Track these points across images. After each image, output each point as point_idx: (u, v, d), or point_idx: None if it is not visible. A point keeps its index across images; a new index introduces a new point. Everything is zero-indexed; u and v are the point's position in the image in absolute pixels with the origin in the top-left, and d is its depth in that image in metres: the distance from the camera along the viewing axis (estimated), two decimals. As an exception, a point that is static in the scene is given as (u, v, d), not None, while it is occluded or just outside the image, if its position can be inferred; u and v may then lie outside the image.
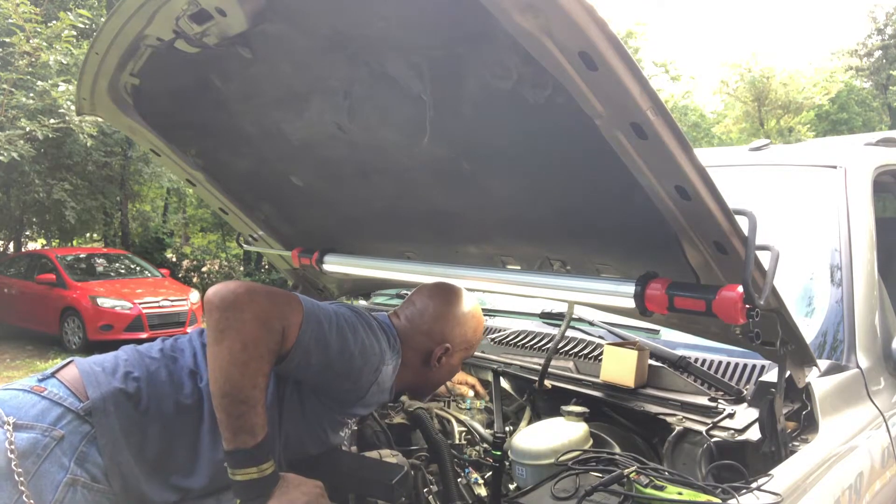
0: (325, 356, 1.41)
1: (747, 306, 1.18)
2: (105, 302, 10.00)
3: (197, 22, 1.35)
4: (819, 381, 1.57)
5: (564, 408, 1.67)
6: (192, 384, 1.45)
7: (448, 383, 2.02)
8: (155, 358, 1.49)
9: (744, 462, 1.40)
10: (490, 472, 1.75)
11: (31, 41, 9.54)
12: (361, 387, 1.50)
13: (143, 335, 9.66)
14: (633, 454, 1.45)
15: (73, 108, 9.52)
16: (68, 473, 1.30)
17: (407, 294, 2.63)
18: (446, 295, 1.75)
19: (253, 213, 2.27)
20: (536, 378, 1.87)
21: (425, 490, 1.65)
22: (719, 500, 1.20)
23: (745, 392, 1.61)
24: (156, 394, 1.41)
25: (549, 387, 1.86)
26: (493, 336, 2.23)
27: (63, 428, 1.32)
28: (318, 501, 1.37)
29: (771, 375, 1.49)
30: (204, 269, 17.49)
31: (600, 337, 2.01)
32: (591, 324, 2.05)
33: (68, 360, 1.47)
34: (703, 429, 1.50)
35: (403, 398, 1.99)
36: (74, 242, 17.32)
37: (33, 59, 9.76)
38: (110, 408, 1.36)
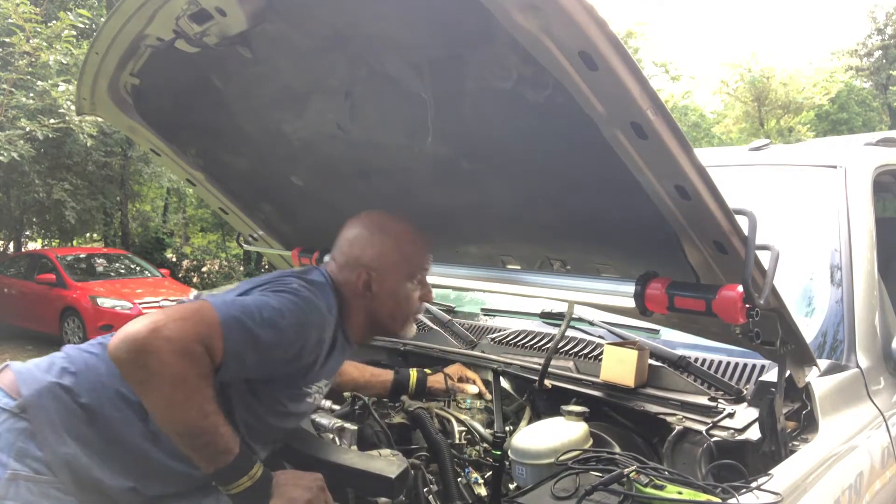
0: (259, 352, 1.36)
1: (747, 306, 1.18)
2: (105, 302, 10.00)
3: (197, 22, 1.35)
4: (819, 381, 1.57)
5: (564, 407, 1.67)
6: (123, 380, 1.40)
7: (449, 382, 2.02)
8: (94, 353, 1.47)
9: (744, 461, 1.40)
10: (490, 472, 1.75)
11: (31, 41, 9.54)
12: (310, 361, 1.47)
13: (143, 335, 9.63)
14: (632, 454, 1.45)
15: (73, 108, 9.52)
16: (7, 469, 1.31)
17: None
18: (356, 221, 1.66)
19: (253, 212, 2.27)
20: (536, 378, 1.87)
21: (425, 490, 1.64)
22: (719, 500, 1.20)
23: (745, 392, 1.61)
24: (94, 386, 1.40)
25: (549, 386, 1.86)
26: (493, 336, 2.23)
27: None
28: (319, 496, 1.37)
29: (771, 375, 1.49)
30: (204, 269, 17.50)
31: (600, 337, 2.01)
32: (591, 324, 2.05)
33: (3, 365, 1.47)
34: (702, 428, 1.50)
35: (403, 398, 1.99)
36: (74, 242, 17.31)
37: (33, 59, 9.76)
38: (47, 402, 1.36)
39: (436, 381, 2.03)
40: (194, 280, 16.46)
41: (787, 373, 1.45)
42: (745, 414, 1.52)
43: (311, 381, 1.56)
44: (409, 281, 1.64)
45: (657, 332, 1.95)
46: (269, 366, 1.42)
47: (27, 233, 17.18)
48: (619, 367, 1.75)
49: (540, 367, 1.87)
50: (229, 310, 1.33)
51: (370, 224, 1.64)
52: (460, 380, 2.05)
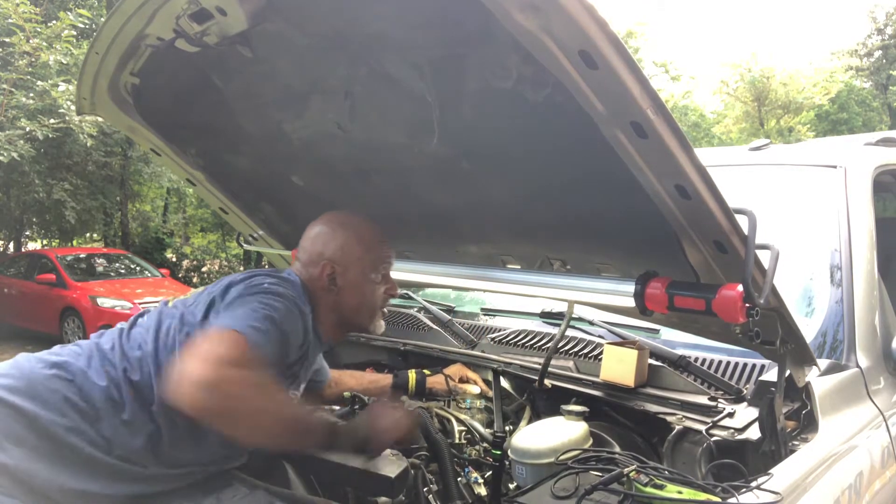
0: (273, 352, 1.44)
1: (747, 305, 1.18)
2: (105, 302, 10.00)
3: (197, 21, 1.35)
4: (819, 381, 1.57)
5: (564, 407, 1.67)
6: (74, 383, 1.42)
7: (451, 382, 2.02)
8: (42, 359, 1.47)
9: (744, 461, 1.40)
10: (490, 472, 1.75)
11: (31, 41, 9.54)
12: (294, 360, 1.54)
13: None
14: (632, 453, 1.45)
15: (73, 108, 9.52)
16: None
17: (406, 293, 2.65)
18: (317, 220, 1.72)
19: (253, 212, 2.27)
20: (536, 377, 1.87)
21: (425, 489, 1.64)
22: (719, 499, 1.20)
23: (745, 391, 1.61)
24: (36, 391, 1.39)
25: (549, 386, 1.86)
26: (493, 336, 2.23)
27: None
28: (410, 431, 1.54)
29: (771, 375, 1.50)
30: (204, 269, 17.49)
31: (600, 336, 2.01)
32: (592, 323, 2.06)
33: None
34: (702, 428, 1.50)
35: (403, 398, 1.99)
36: (74, 242, 17.30)
37: (33, 59, 9.76)
38: None
39: (437, 381, 2.03)
40: (194, 280, 16.45)
41: (787, 372, 1.45)
42: (745, 413, 1.52)
43: (290, 387, 1.59)
44: (373, 273, 1.68)
45: (657, 331, 1.95)
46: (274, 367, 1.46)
47: (27, 233, 17.18)
48: (619, 366, 1.75)
49: (540, 367, 1.87)
50: (239, 322, 1.38)
51: (331, 221, 1.70)
52: (461, 380, 2.05)
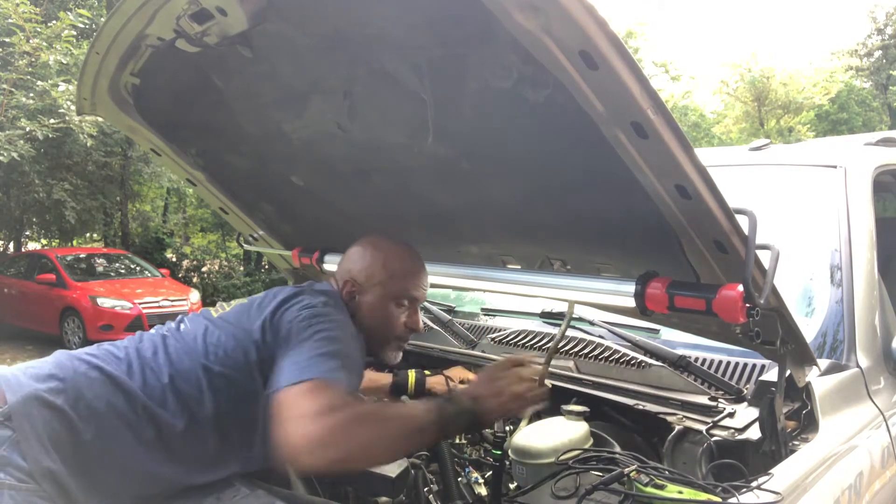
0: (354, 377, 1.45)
1: (747, 305, 1.18)
2: (105, 302, 10.00)
3: (197, 21, 1.35)
4: (819, 381, 1.57)
5: (564, 407, 1.67)
6: (119, 389, 1.41)
7: (451, 384, 2.01)
8: (84, 360, 1.45)
9: (744, 461, 1.40)
10: (490, 472, 1.75)
11: (31, 41, 9.54)
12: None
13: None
14: (633, 453, 1.45)
15: (73, 108, 9.52)
16: None
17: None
18: (358, 241, 1.74)
19: (253, 212, 2.27)
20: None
21: (425, 489, 1.65)
22: (719, 499, 1.20)
23: (746, 391, 1.61)
24: (81, 395, 1.38)
25: (550, 386, 1.86)
26: (493, 336, 2.23)
27: None
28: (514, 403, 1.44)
29: (771, 375, 1.50)
30: (204, 269, 17.48)
31: (601, 336, 2.01)
32: (592, 324, 2.06)
33: None
34: (703, 428, 1.50)
35: (404, 398, 1.99)
36: (74, 242, 17.31)
37: (33, 59, 9.77)
38: (32, 411, 1.33)
39: (437, 382, 2.03)
40: (194, 280, 16.45)
41: (788, 372, 1.45)
42: (745, 413, 1.52)
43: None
44: (394, 302, 1.65)
45: (657, 331, 1.95)
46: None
47: (27, 233, 17.19)
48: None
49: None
50: (313, 368, 1.34)
51: (368, 242, 1.71)
52: (462, 382, 2.05)
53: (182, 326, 1.58)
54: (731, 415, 1.52)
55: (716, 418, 1.51)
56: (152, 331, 1.58)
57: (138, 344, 1.53)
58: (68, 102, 9.65)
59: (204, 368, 1.46)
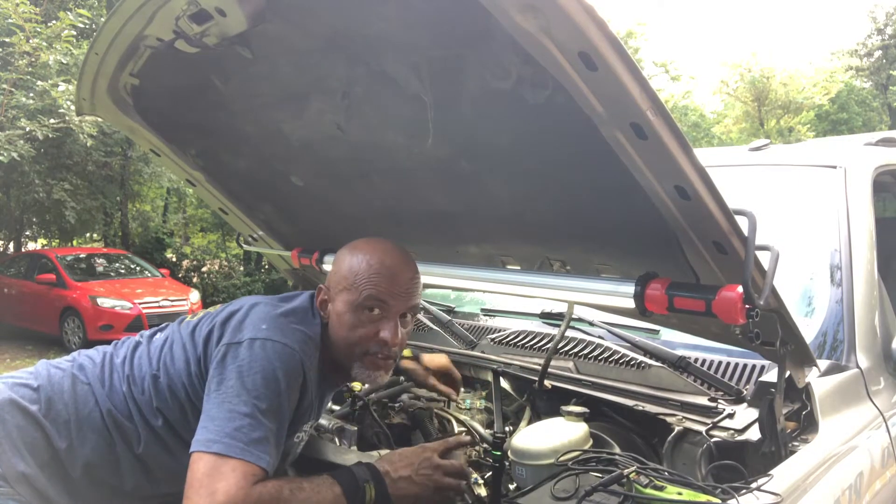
0: (276, 440, 1.34)
1: (747, 306, 1.18)
2: (105, 302, 10.00)
3: (197, 22, 1.35)
4: (819, 381, 1.57)
5: (564, 408, 1.66)
6: (89, 398, 1.41)
7: (431, 379, 1.97)
8: (61, 368, 1.46)
9: (744, 462, 1.40)
10: (490, 472, 1.75)
11: (31, 41, 9.54)
12: (305, 405, 1.47)
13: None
14: (632, 454, 1.45)
15: (73, 108, 9.51)
16: None
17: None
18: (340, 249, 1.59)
19: (253, 213, 2.27)
20: (536, 378, 1.87)
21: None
22: (719, 500, 1.20)
23: (745, 392, 1.61)
24: (53, 405, 1.39)
25: (549, 387, 1.86)
26: (493, 336, 2.23)
27: None
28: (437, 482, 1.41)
29: (771, 375, 1.49)
30: (204, 269, 17.48)
31: (600, 337, 2.01)
32: (592, 324, 2.05)
33: None
34: (702, 429, 1.49)
35: (403, 398, 1.99)
36: (74, 242, 17.31)
37: (33, 59, 9.76)
38: (5, 416, 1.35)
39: (410, 364, 1.95)
40: (194, 280, 16.44)
41: (787, 373, 1.45)
42: (744, 414, 1.52)
43: (300, 424, 1.51)
44: (361, 308, 1.45)
45: (657, 332, 1.95)
46: (282, 435, 1.38)
47: (27, 233, 17.18)
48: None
49: (540, 368, 1.87)
50: (232, 445, 1.26)
51: (349, 244, 1.56)
52: (446, 380, 1.96)
53: (158, 334, 1.57)
54: (730, 416, 1.52)
55: (715, 419, 1.51)
56: (135, 336, 1.59)
57: (114, 350, 1.54)
58: (68, 102, 9.65)
59: (153, 378, 1.45)
